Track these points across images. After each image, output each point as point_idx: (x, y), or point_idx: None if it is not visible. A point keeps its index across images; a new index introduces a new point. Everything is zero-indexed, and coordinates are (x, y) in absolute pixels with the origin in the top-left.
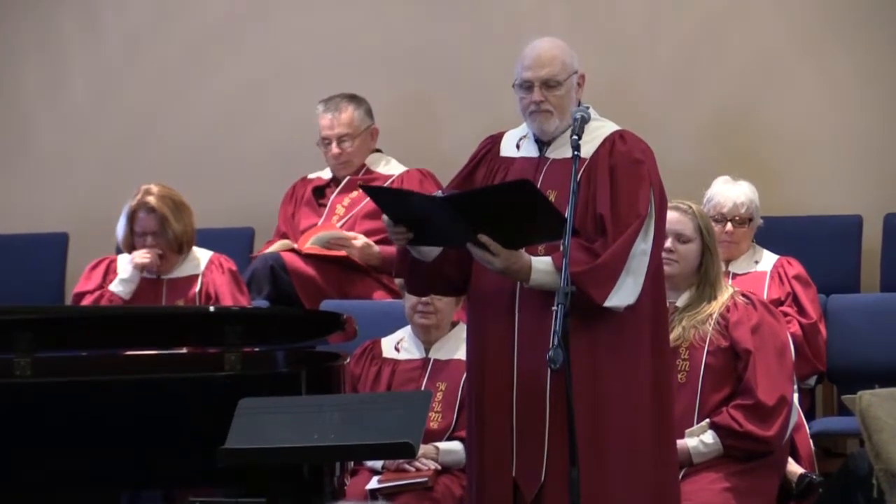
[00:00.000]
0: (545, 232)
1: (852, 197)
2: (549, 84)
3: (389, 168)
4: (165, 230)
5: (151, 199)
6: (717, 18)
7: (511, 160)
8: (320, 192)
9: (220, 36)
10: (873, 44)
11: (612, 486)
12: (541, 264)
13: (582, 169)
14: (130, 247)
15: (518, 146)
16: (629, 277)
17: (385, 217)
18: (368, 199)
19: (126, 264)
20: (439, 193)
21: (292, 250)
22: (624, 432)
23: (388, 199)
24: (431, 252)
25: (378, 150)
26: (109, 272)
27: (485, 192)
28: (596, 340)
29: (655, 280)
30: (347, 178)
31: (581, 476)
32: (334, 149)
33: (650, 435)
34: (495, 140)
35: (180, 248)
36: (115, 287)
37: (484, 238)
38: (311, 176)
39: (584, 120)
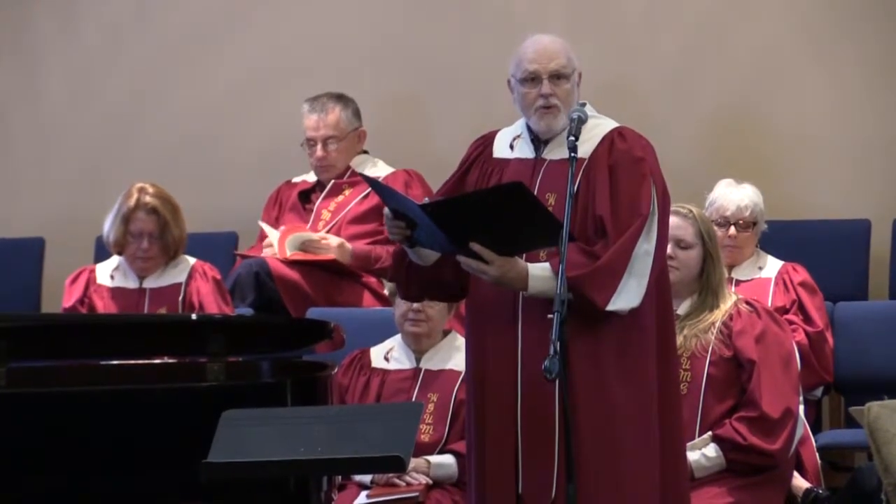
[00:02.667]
0: (540, 238)
1: (860, 200)
2: (557, 76)
3: (376, 170)
4: (164, 234)
5: (152, 200)
6: (720, 14)
7: (505, 162)
8: (306, 196)
9: (203, 33)
10: (882, 41)
11: (617, 500)
12: (538, 270)
13: (581, 169)
14: (121, 247)
15: (512, 146)
16: (632, 279)
17: (386, 210)
18: (354, 203)
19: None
20: (426, 200)
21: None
22: (630, 444)
23: (384, 193)
24: (431, 255)
25: (365, 152)
26: (90, 284)
27: (473, 196)
28: (598, 347)
29: (660, 282)
30: (332, 182)
31: (586, 491)
32: (318, 151)
33: (659, 446)
34: (487, 141)
35: (175, 253)
36: None
37: (476, 246)
38: (295, 179)
39: (581, 120)
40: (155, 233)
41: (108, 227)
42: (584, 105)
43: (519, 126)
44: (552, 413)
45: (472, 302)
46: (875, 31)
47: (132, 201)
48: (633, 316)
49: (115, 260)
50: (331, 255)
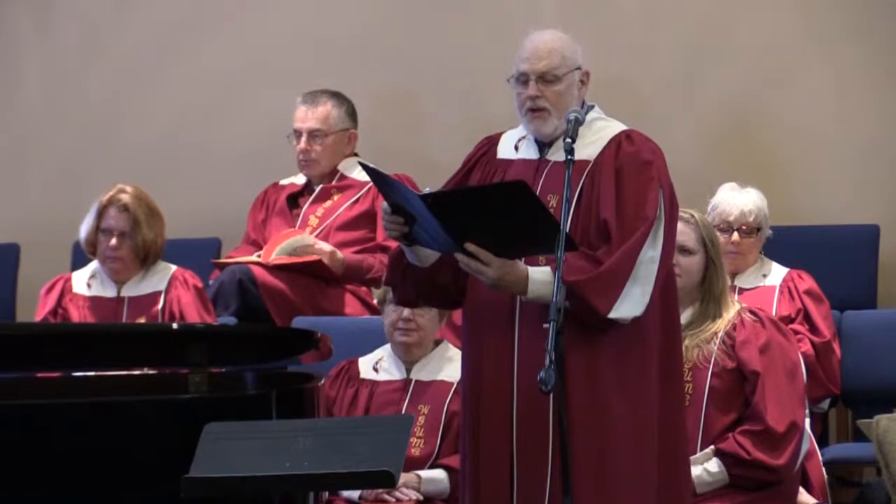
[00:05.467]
0: (541, 242)
1: (868, 205)
2: (546, 78)
3: (366, 175)
4: (134, 233)
5: (126, 198)
6: (723, 11)
7: (508, 162)
8: (294, 200)
9: (186, 29)
10: (889, 41)
11: None
12: (538, 274)
13: (586, 172)
14: (93, 245)
15: (516, 147)
16: (636, 286)
17: (384, 204)
18: (343, 209)
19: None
20: (428, 189)
21: (258, 264)
22: (629, 459)
23: (384, 185)
24: (429, 257)
25: (355, 155)
26: (65, 293)
27: (475, 190)
28: (597, 358)
29: (666, 291)
30: (321, 186)
31: None
32: (302, 144)
33: (658, 462)
34: (492, 141)
35: (145, 257)
36: None
37: (472, 247)
38: (283, 182)
39: (578, 122)
40: (125, 231)
41: (84, 224)
42: (592, 107)
43: (524, 127)
44: (547, 424)
45: (470, 303)
46: (882, 31)
47: (107, 198)
48: (635, 326)
49: (91, 267)
50: (315, 256)
